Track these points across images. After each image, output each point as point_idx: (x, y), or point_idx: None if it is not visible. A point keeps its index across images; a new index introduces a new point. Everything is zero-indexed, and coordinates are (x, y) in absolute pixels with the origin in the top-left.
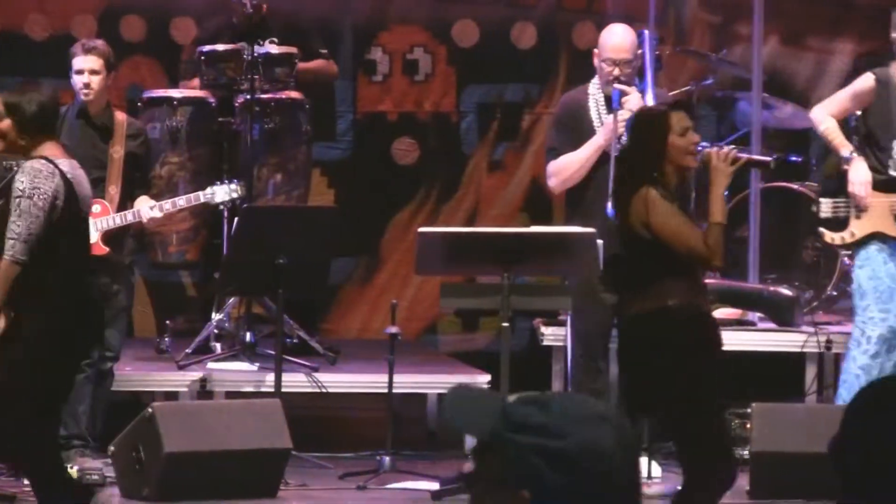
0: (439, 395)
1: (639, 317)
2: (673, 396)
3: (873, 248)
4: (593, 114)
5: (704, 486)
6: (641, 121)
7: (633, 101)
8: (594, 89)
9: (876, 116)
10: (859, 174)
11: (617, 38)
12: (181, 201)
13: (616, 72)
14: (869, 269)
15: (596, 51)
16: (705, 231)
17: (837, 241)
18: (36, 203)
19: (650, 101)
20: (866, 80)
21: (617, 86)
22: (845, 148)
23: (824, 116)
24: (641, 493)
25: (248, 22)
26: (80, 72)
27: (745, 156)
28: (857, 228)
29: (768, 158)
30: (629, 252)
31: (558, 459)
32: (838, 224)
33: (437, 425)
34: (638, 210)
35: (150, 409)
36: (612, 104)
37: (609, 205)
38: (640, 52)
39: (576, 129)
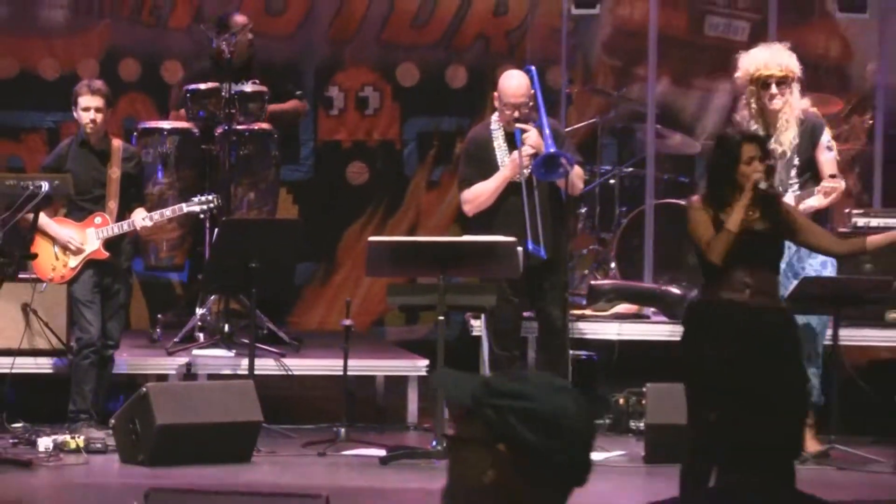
0: (386, 377)
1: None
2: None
3: None
4: (497, 148)
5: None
6: (719, 146)
7: (533, 136)
8: (496, 126)
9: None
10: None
11: (514, 84)
12: (168, 212)
13: (516, 113)
14: None
15: (496, 94)
16: (718, 233)
17: None
18: None
19: (546, 132)
20: None
21: (517, 125)
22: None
23: None
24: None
25: (230, 65)
26: (86, 109)
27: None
28: None
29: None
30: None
31: (533, 419)
32: None
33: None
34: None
35: (144, 389)
36: (515, 142)
37: (529, 241)
38: (533, 93)
39: (483, 161)
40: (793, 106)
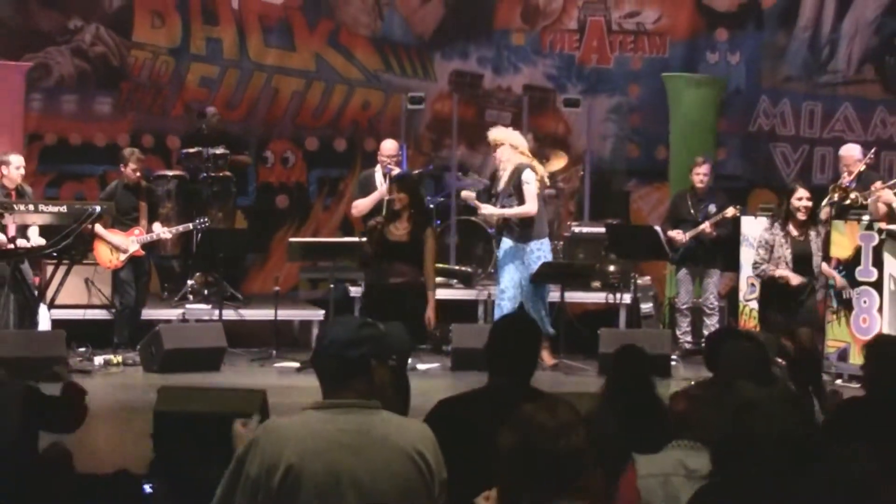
0: (300, 321)
1: None
2: None
3: (508, 246)
4: (377, 181)
5: None
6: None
7: (397, 170)
8: (378, 168)
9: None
10: (488, 211)
11: (389, 146)
12: (181, 228)
13: (387, 160)
14: (502, 250)
15: (379, 152)
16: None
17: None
18: None
19: (404, 168)
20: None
21: (388, 165)
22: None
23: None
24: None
25: (207, 134)
26: (135, 170)
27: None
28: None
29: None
30: None
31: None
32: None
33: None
34: None
35: (157, 328)
36: (386, 176)
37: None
38: (400, 153)
39: (367, 187)
40: (510, 161)
